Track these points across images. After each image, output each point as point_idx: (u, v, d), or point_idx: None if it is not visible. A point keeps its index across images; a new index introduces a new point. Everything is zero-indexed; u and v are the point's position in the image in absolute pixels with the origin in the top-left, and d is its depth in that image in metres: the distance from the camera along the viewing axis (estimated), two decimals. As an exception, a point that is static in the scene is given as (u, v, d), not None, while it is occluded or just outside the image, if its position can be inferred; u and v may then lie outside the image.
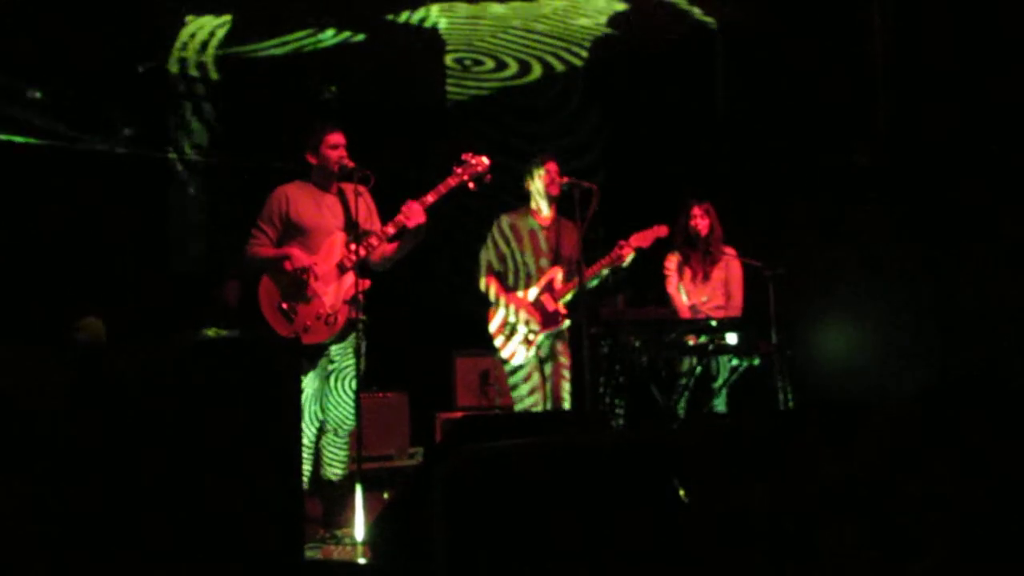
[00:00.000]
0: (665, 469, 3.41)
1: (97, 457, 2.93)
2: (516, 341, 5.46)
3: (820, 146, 6.72)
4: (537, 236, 5.58)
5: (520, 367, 5.47)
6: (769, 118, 7.07)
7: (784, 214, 6.83)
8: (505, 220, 5.61)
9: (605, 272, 5.56)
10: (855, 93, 6.61)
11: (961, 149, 6.05)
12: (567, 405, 5.53)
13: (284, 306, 4.81)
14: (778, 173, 6.91)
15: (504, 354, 5.50)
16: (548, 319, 5.47)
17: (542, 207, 5.61)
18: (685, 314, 6.15)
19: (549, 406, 5.48)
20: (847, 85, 6.65)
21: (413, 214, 4.84)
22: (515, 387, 5.51)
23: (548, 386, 5.52)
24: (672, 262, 6.43)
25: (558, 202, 5.58)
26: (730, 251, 6.32)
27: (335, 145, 4.93)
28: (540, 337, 5.45)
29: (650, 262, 6.47)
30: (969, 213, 6.04)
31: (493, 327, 5.54)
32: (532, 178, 5.59)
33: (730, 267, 6.35)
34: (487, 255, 5.61)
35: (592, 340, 5.34)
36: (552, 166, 5.56)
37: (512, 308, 5.48)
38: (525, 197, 5.68)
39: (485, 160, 5.08)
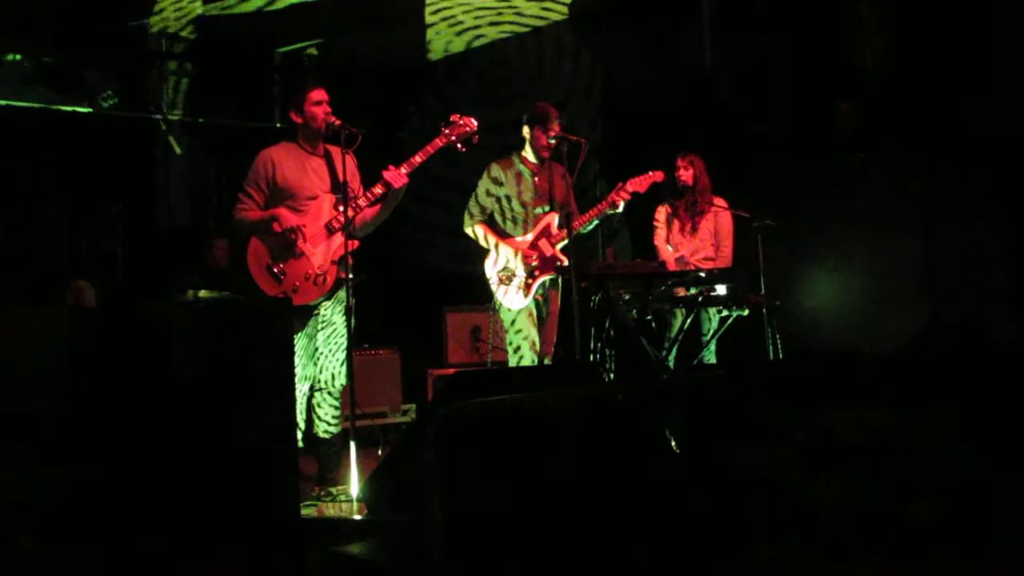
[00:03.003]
0: (656, 421, 3.43)
1: (89, 420, 2.94)
2: (514, 286, 5.44)
3: (807, 98, 6.71)
4: (527, 180, 5.57)
5: (513, 313, 5.46)
6: (758, 71, 7.04)
7: (772, 166, 6.83)
8: (495, 167, 5.59)
9: (600, 217, 5.63)
10: (843, 44, 6.58)
11: (946, 102, 6.05)
12: (551, 351, 5.55)
13: (274, 268, 4.81)
14: (765, 126, 6.89)
15: (503, 299, 5.48)
16: (546, 263, 5.48)
17: (531, 155, 5.60)
18: (671, 266, 6.18)
19: (538, 351, 5.50)
20: (835, 37, 6.63)
21: (396, 176, 4.85)
22: (509, 332, 5.50)
23: (538, 333, 5.52)
24: (661, 213, 6.48)
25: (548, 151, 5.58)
26: (720, 202, 6.34)
27: (318, 101, 4.92)
28: (539, 282, 5.45)
29: (640, 216, 6.50)
30: (955, 164, 6.05)
31: (490, 271, 5.52)
32: (531, 129, 5.55)
33: (719, 218, 6.37)
34: (476, 203, 5.59)
35: (582, 294, 5.34)
36: (556, 125, 5.49)
37: (511, 252, 5.48)
38: (519, 141, 5.65)
39: (473, 121, 5.07)
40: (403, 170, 4.89)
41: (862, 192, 6.51)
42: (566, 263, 5.42)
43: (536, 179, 5.58)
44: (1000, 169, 5.88)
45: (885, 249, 6.37)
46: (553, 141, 5.40)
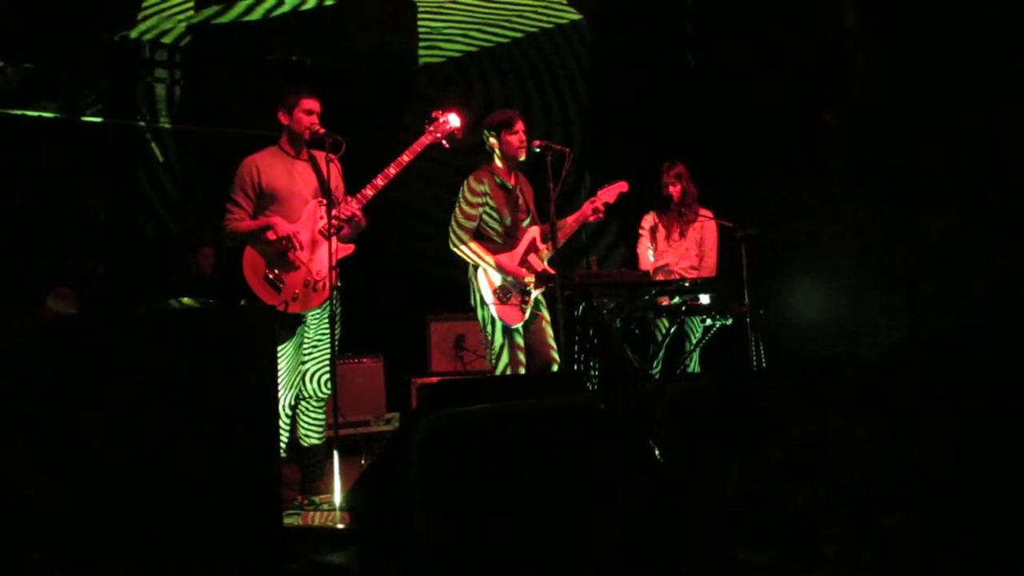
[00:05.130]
0: (640, 430, 3.44)
1: (69, 427, 2.93)
2: (512, 304, 5.35)
3: (791, 107, 6.74)
4: (509, 194, 5.48)
5: (511, 330, 5.34)
6: (740, 79, 7.07)
7: (756, 175, 6.85)
8: (473, 181, 5.41)
9: (574, 229, 5.62)
10: (826, 54, 6.62)
11: (931, 109, 6.09)
12: (557, 359, 5.44)
13: (270, 276, 4.78)
14: (750, 134, 6.92)
15: (502, 318, 5.34)
16: (540, 278, 5.39)
17: (506, 167, 5.49)
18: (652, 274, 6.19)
19: (536, 363, 5.42)
20: (819, 46, 6.66)
21: (349, 211, 4.83)
22: (502, 350, 5.35)
23: (533, 344, 5.44)
24: (647, 222, 6.49)
25: (525, 162, 5.53)
26: (706, 213, 6.36)
27: (310, 111, 4.90)
28: (534, 297, 5.39)
29: (623, 225, 6.52)
30: (938, 173, 6.09)
31: (486, 290, 5.36)
32: (498, 138, 5.43)
33: (705, 228, 6.40)
34: (462, 220, 5.38)
35: (566, 303, 5.30)
36: (520, 125, 5.42)
37: (503, 270, 5.38)
38: (487, 154, 5.53)
39: (455, 117, 5.10)
40: (392, 170, 4.91)
41: (846, 202, 6.54)
42: (554, 275, 5.34)
43: (516, 192, 5.51)
44: (984, 181, 5.91)
45: (868, 259, 6.40)
46: (537, 150, 5.33)
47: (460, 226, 5.38)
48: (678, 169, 6.34)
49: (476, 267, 5.41)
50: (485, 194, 5.39)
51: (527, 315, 5.38)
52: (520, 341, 5.37)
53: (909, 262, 6.18)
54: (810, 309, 6.61)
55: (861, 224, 6.44)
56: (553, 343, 5.46)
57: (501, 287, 5.36)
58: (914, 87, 6.15)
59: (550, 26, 8.24)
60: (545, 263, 5.47)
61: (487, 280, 5.38)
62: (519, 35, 8.41)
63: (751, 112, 6.92)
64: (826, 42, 6.59)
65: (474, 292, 5.44)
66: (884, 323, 6.23)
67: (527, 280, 5.38)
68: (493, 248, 5.42)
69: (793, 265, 6.74)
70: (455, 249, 5.41)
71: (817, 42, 6.65)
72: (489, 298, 5.35)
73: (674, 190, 6.33)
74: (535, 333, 5.45)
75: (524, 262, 5.44)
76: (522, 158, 5.44)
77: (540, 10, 7.92)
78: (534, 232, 5.51)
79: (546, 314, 5.50)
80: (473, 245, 5.37)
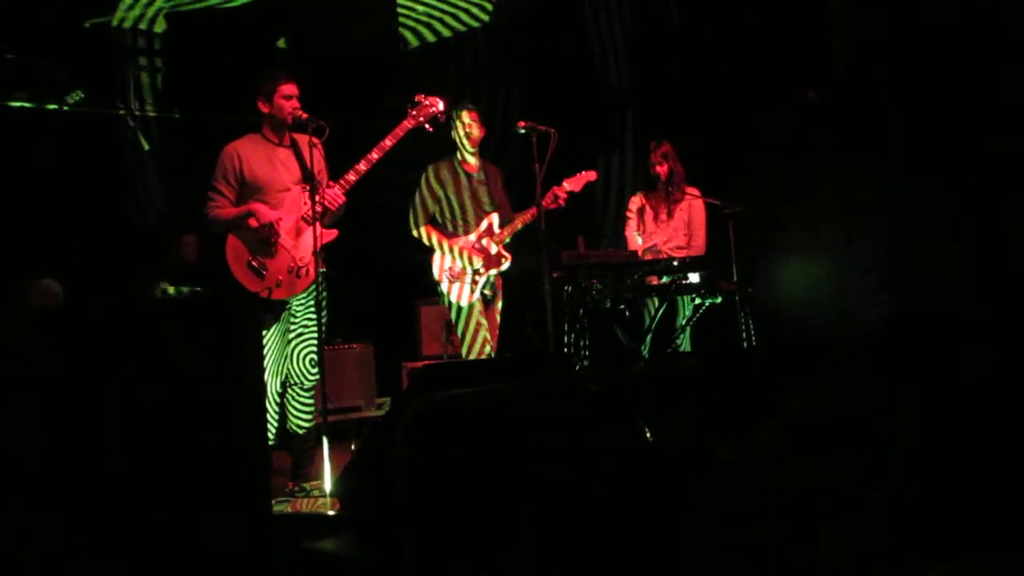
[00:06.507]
0: (630, 410, 3.42)
1: (55, 418, 2.90)
2: (463, 283, 5.56)
3: (776, 83, 6.71)
4: (468, 184, 5.69)
5: (465, 309, 5.58)
6: (726, 55, 7.05)
7: (742, 152, 6.83)
8: (432, 171, 5.67)
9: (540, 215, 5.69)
10: (810, 29, 6.59)
11: (914, 81, 6.07)
12: (493, 347, 5.66)
13: (254, 263, 4.76)
14: (735, 110, 6.89)
15: (452, 297, 5.60)
16: (491, 260, 5.62)
17: (467, 156, 5.71)
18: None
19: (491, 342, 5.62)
20: (803, 21, 6.64)
21: (333, 198, 4.83)
22: (463, 330, 5.63)
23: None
24: (634, 204, 6.47)
25: (509, 145, 5.64)
26: (693, 191, 6.34)
27: (289, 96, 4.89)
28: (484, 278, 5.55)
29: (607, 204, 6.50)
30: (925, 147, 6.07)
31: (437, 272, 5.64)
32: (455, 127, 5.66)
33: (693, 207, 6.37)
34: (419, 206, 5.66)
35: (554, 284, 5.37)
36: (472, 116, 5.65)
37: (456, 251, 5.60)
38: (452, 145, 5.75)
39: (439, 101, 5.11)
40: (374, 155, 4.89)
41: (832, 178, 6.52)
42: (511, 260, 5.64)
43: (477, 181, 5.71)
44: (968, 155, 5.90)
45: (855, 235, 6.38)
46: (522, 131, 5.38)
47: (416, 213, 5.68)
48: (664, 148, 6.32)
49: (434, 251, 5.68)
50: (442, 185, 5.65)
51: (476, 296, 5.62)
52: (480, 317, 5.60)
53: (896, 237, 6.17)
54: (799, 286, 6.60)
55: (848, 200, 6.43)
56: (497, 329, 5.73)
57: (451, 267, 5.61)
58: (899, 62, 6.13)
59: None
60: (501, 248, 5.68)
61: (439, 260, 5.65)
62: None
63: (736, 89, 6.90)
64: (810, 18, 6.57)
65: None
66: (872, 299, 6.22)
67: (479, 261, 5.60)
68: (449, 233, 5.67)
69: (781, 242, 6.72)
70: (413, 233, 5.71)
71: (801, 18, 6.63)
72: (442, 277, 5.64)
73: (661, 169, 6.30)
74: (489, 318, 5.67)
75: (479, 244, 5.66)
76: (473, 148, 5.68)
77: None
78: (491, 218, 5.71)
79: (499, 303, 5.75)
80: (425, 230, 5.67)
